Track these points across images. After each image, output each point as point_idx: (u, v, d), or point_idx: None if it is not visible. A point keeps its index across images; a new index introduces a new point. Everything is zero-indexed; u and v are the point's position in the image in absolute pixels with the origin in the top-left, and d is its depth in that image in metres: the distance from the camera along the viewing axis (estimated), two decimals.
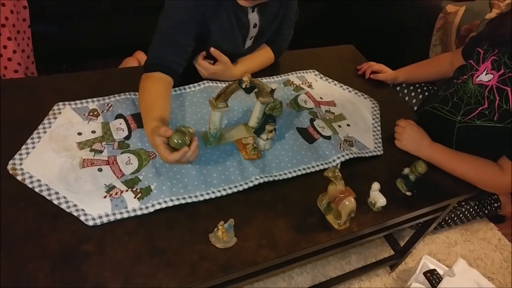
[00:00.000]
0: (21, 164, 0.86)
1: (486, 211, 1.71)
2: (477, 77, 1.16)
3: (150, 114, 0.94)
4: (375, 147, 1.15)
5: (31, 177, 0.84)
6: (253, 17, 1.13)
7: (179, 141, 0.84)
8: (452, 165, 1.12)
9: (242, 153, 1.01)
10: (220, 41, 1.12)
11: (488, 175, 1.10)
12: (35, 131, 0.93)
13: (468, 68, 1.20)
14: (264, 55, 1.25)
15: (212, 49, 1.12)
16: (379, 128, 1.22)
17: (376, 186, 0.99)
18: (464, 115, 1.17)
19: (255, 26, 1.15)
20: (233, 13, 1.09)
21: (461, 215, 1.64)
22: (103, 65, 1.70)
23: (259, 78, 1.10)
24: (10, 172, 0.84)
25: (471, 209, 1.65)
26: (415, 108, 1.47)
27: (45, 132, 0.93)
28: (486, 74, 1.13)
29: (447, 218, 1.62)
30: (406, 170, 1.06)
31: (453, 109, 1.20)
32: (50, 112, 0.98)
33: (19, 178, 0.84)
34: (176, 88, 1.12)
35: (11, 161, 0.86)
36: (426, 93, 1.48)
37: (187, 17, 1.03)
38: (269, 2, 1.12)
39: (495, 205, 1.72)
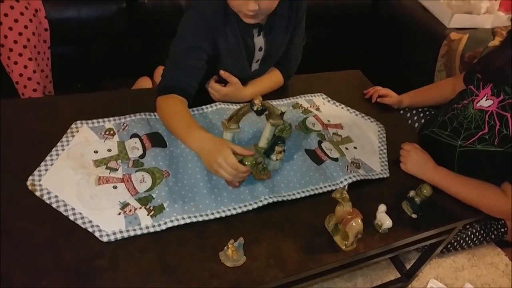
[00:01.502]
0: (39, 180, 0.89)
1: (493, 236, 1.71)
2: (477, 103, 1.19)
3: (182, 121, 1.03)
4: (381, 170, 1.18)
5: (49, 193, 0.87)
6: (259, 41, 1.18)
7: (253, 162, 0.95)
8: (456, 189, 1.14)
9: (252, 173, 1.04)
10: (228, 64, 1.16)
11: (491, 200, 1.11)
12: (54, 149, 0.97)
13: (469, 94, 1.24)
14: (273, 78, 1.29)
15: (221, 71, 1.16)
16: (385, 151, 1.25)
17: (382, 208, 1.01)
18: (464, 139, 1.19)
19: (260, 49, 1.20)
20: (240, 35, 1.14)
21: (467, 240, 1.64)
22: (117, 85, 1.76)
23: (268, 101, 1.14)
24: (29, 188, 0.88)
25: (477, 234, 1.66)
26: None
27: (63, 150, 0.97)
28: (486, 100, 1.17)
29: (453, 242, 1.62)
30: (412, 193, 1.08)
31: (453, 133, 1.23)
32: (68, 131, 1.02)
33: (37, 193, 0.87)
34: (189, 110, 1.16)
35: (30, 177, 0.89)
36: (428, 117, 1.51)
37: (198, 41, 1.08)
38: (274, 28, 1.17)
39: (502, 230, 1.73)
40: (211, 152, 0.94)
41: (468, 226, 1.50)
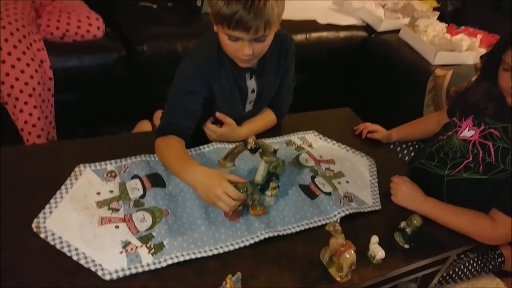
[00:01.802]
0: (44, 222, 0.93)
1: (490, 266, 1.72)
2: (460, 133, 1.26)
3: (178, 158, 1.09)
4: (373, 202, 1.22)
5: (53, 234, 0.91)
6: (251, 84, 1.26)
7: (246, 189, 1.00)
8: (445, 218, 1.18)
9: (248, 209, 1.08)
10: (223, 106, 1.23)
11: (481, 227, 1.15)
12: (58, 192, 1.01)
13: (452, 125, 1.31)
14: (267, 118, 1.36)
15: (217, 113, 1.23)
16: (376, 184, 1.30)
17: (375, 239, 1.05)
18: (451, 169, 1.25)
19: (253, 91, 1.27)
20: (233, 79, 1.22)
21: (465, 270, 1.66)
22: (118, 129, 1.83)
23: (262, 139, 1.20)
24: (34, 230, 0.92)
25: (475, 264, 1.67)
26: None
27: (67, 193, 1.02)
28: (468, 130, 1.24)
29: (451, 273, 1.63)
30: (403, 224, 1.11)
31: (440, 163, 1.28)
32: (72, 174, 1.07)
33: (42, 235, 0.91)
34: (187, 150, 1.22)
35: (35, 220, 0.94)
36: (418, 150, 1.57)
37: (194, 86, 1.16)
38: (265, 71, 1.25)
39: (499, 260, 1.74)
40: (208, 185, 0.98)
41: (463, 256, 1.52)
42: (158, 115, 1.66)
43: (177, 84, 1.17)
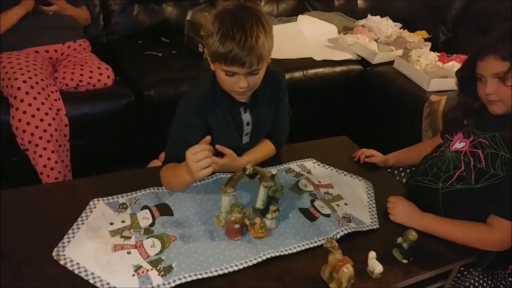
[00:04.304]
0: (63, 250, 1.02)
1: (502, 286, 1.73)
2: (452, 146, 1.34)
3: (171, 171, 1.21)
4: (371, 222, 1.28)
5: (71, 261, 1.00)
6: (246, 117, 1.36)
7: (241, 208, 1.10)
8: (443, 230, 1.23)
9: (250, 232, 1.15)
10: (221, 138, 1.33)
11: (479, 234, 1.21)
12: (75, 223, 1.10)
13: (444, 141, 1.39)
14: (266, 148, 1.45)
15: (217, 145, 1.33)
16: (374, 205, 1.36)
17: (372, 254, 1.10)
18: (444, 181, 1.31)
19: (248, 124, 1.38)
20: (229, 113, 1.33)
21: None
22: (129, 169, 1.92)
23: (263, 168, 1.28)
24: (55, 257, 1.00)
25: (484, 284, 1.68)
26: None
27: (83, 224, 1.11)
28: (459, 143, 1.32)
29: None
30: (399, 239, 1.17)
31: (434, 178, 1.35)
32: (87, 207, 1.16)
33: (61, 262, 0.99)
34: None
35: (55, 249, 1.02)
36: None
37: (193, 120, 1.28)
38: (257, 104, 1.36)
39: (510, 279, 1.75)
40: (186, 166, 1.10)
41: (466, 273, 1.54)
42: (162, 155, 1.77)
43: (177, 119, 1.30)
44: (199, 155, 1.07)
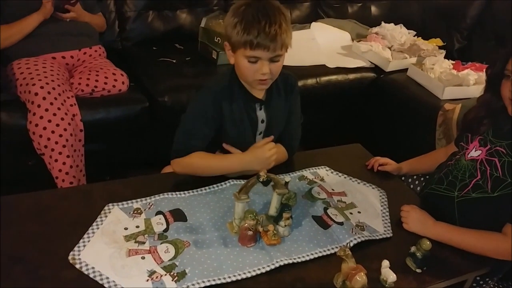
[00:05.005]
0: (79, 255, 1.03)
1: None
2: (468, 154, 1.32)
3: (215, 156, 1.35)
4: (384, 230, 1.27)
5: (87, 265, 1.01)
6: (261, 114, 1.39)
7: (255, 215, 1.11)
8: (457, 239, 1.22)
9: (264, 239, 1.15)
10: (234, 135, 1.35)
11: (494, 243, 1.19)
12: (90, 228, 1.12)
13: (460, 149, 1.37)
14: (279, 150, 1.44)
15: (224, 144, 1.35)
16: (387, 213, 1.35)
17: (385, 263, 1.09)
18: (460, 190, 1.30)
19: (262, 121, 1.40)
20: (244, 109, 1.35)
21: None
22: (143, 175, 1.94)
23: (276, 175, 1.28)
24: (70, 261, 1.02)
25: None
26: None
27: (98, 228, 1.12)
28: (475, 151, 1.31)
29: None
30: (413, 249, 1.16)
31: (450, 186, 1.33)
32: (102, 212, 1.18)
33: (77, 266, 1.01)
34: (207, 187, 1.32)
35: (71, 253, 1.04)
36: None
37: (208, 111, 1.30)
38: (272, 102, 1.38)
39: None
40: (258, 159, 1.29)
41: (482, 283, 1.52)
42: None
43: (191, 111, 1.33)
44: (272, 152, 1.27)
